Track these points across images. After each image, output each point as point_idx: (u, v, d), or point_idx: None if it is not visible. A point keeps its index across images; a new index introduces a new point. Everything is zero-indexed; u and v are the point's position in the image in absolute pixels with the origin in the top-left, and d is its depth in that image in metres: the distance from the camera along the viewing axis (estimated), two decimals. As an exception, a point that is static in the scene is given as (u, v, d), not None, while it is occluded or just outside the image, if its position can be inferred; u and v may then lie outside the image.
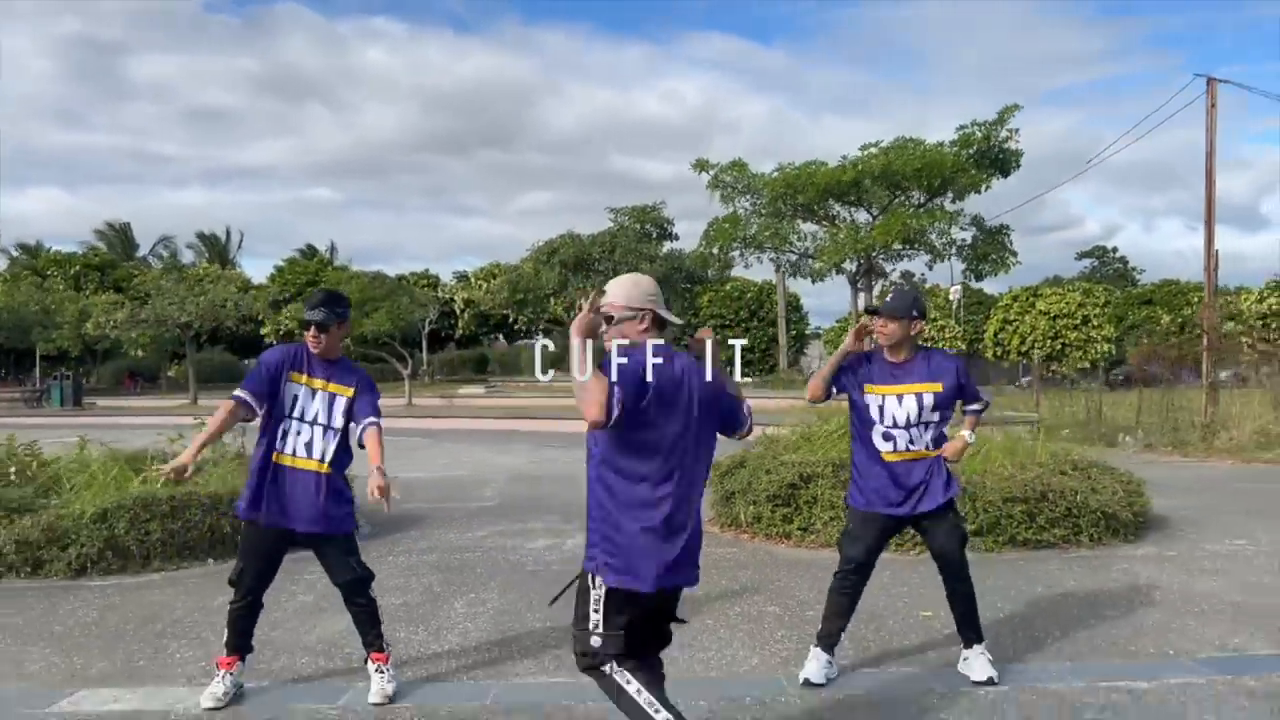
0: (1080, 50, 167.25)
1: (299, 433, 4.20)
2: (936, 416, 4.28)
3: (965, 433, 4.47)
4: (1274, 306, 49.57)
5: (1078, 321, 45.46)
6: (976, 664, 4.35)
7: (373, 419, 4.24)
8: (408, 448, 16.10)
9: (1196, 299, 50.86)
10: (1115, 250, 76.24)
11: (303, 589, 6.21)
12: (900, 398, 4.26)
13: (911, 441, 4.26)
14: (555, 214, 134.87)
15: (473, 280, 51.81)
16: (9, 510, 7.28)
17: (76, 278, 47.37)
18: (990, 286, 52.21)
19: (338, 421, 4.22)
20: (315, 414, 4.22)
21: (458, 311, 49.61)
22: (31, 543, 6.89)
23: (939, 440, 4.32)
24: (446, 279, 56.96)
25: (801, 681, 4.34)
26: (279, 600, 5.71)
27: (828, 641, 4.41)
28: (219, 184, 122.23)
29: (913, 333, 4.34)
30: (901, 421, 4.26)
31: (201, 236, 69.61)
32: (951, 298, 49.82)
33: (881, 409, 4.28)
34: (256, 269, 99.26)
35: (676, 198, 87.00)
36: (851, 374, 4.37)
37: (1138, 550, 7.27)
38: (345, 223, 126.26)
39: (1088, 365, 40.82)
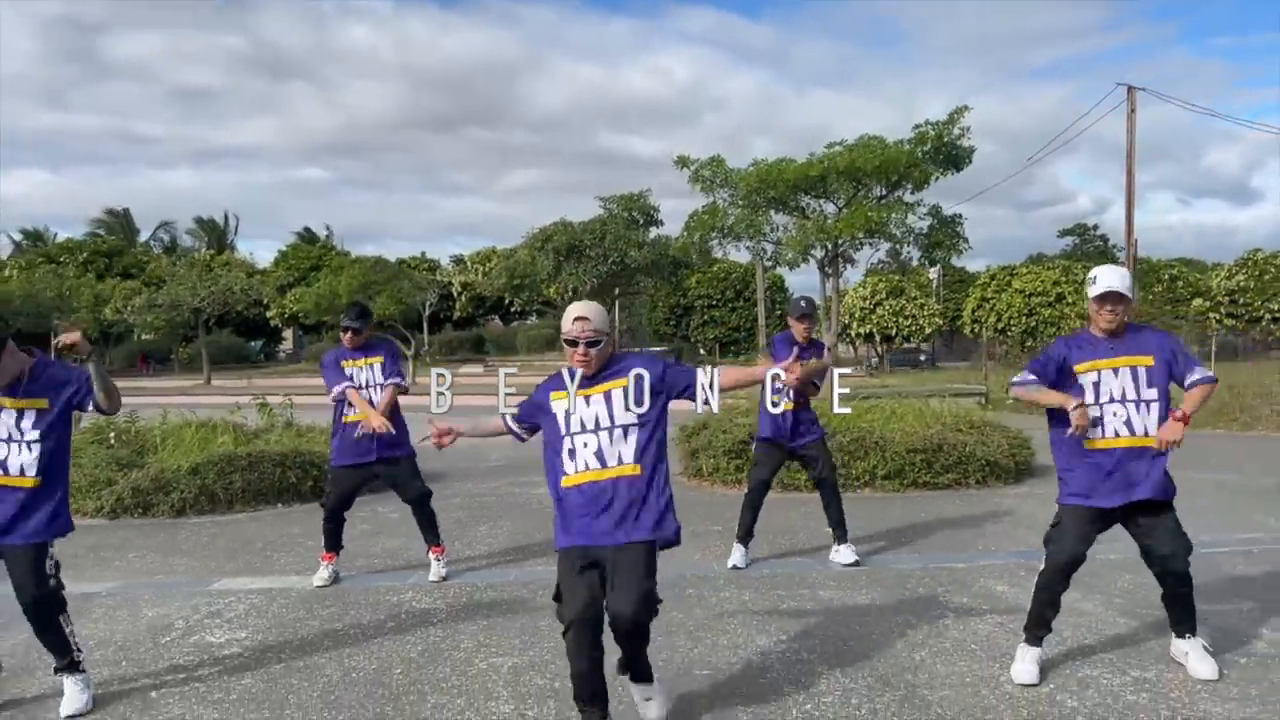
0: (1073, 23, 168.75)
1: (364, 398, 6.08)
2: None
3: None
4: (1242, 283, 51.60)
5: (1052, 299, 47.46)
6: (843, 553, 6.30)
7: (395, 380, 6.11)
8: (418, 421, 17.97)
9: (1167, 276, 52.86)
10: (1096, 228, 78.00)
11: (360, 521, 8.10)
12: None
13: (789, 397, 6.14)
14: (544, 192, 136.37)
15: (469, 264, 53.61)
16: (121, 466, 9.20)
17: (86, 264, 49.13)
18: (972, 265, 53.95)
19: (380, 379, 6.08)
20: (365, 381, 6.09)
21: (455, 294, 51.40)
22: (143, 490, 8.79)
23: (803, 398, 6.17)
24: (440, 259, 58.93)
25: (729, 567, 6.28)
26: (348, 529, 7.63)
27: (745, 539, 6.36)
28: (206, 164, 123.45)
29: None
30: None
31: (200, 221, 71.23)
32: (931, 277, 51.79)
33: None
34: (247, 249, 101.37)
35: (665, 175, 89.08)
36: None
37: (1013, 490, 9.23)
38: (335, 203, 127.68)
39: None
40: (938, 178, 22.72)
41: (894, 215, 22.28)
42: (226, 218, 71.70)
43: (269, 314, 46.96)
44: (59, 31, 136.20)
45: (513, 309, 49.75)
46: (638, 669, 3.71)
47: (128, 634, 5.16)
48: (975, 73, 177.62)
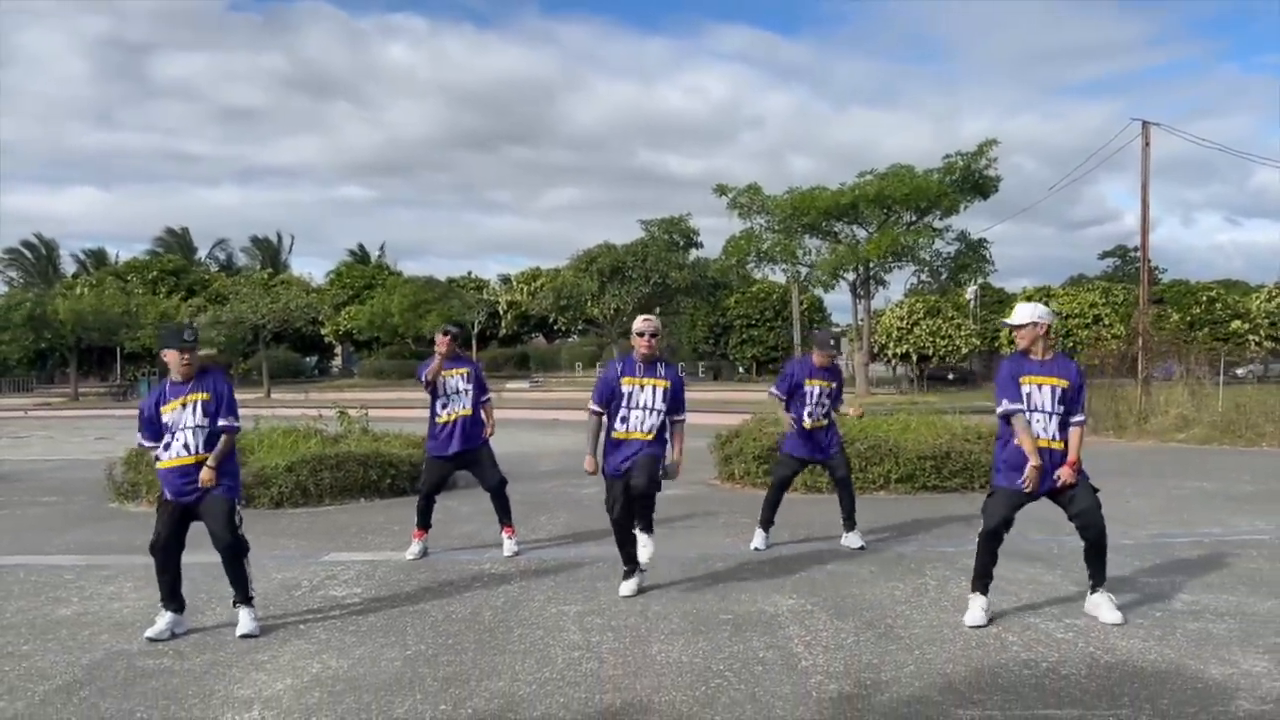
0: (1116, 39, 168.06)
1: (452, 399, 7.37)
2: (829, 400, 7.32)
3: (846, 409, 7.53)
4: (1282, 305, 51.64)
5: (1089, 320, 47.91)
6: (852, 539, 7.44)
7: (487, 398, 7.44)
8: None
9: (1205, 298, 53.06)
10: (1137, 249, 78.04)
11: (438, 513, 9.31)
12: (820, 388, 7.32)
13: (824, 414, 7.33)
14: (582, 210, 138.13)
15: (515, 283, 55.23)
16: (227, 463, 10.55)
17: (154, 282, 51.46)
18: (1011, 285, 54.38)
19: (465, 385, 7.36)
20: (456, 387, 7.39)
21: (501, 313, 53.00)
22: (246, 485, 10.01)
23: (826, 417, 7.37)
24: (483, 277, 60.75)
25: (752, 548, 7.45)
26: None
27: (765, 526, 7.52)
28: (252, 183, 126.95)
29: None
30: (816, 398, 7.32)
31: (255, 240, 73.83)
32: (968, 298, 52.41)
33: (811, 393, 7.34)
34: (298, 267, 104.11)
35: (703, 193, 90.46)
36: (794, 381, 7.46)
37: (1014, 493, 10.26)
38: (378, 220, 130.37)
39: (1096, 362, 43.33)
40: (966, 207, 23.85)
41: (921, 240, 23.40)
42: (280, 236, 74.23)
43: (324, 331, 48.85)
44: (107, 52, 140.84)
45: (556, 327, 51.23)
46: (646, 524, 5.97)
47: (265, 590, 6.41)
48: (1018, 89, 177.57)
